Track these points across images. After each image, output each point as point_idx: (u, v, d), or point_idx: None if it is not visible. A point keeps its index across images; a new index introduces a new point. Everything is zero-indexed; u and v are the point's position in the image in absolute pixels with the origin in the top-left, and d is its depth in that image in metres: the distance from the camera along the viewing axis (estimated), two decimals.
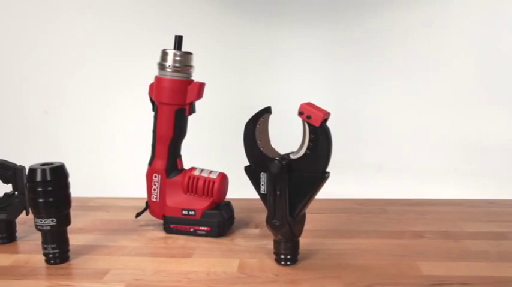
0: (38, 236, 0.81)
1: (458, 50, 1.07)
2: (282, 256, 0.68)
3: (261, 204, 0.94)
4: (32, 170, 0.68)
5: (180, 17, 1.11)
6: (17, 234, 0.82)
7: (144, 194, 1.02)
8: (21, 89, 1.18)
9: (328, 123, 0.65)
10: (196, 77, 1.14)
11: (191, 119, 0.87)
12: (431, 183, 1.08)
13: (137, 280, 0.65)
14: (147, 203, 0.84)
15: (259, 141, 0.68)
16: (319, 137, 0.63)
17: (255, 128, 0.67)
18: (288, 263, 0.69)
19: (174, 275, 0.66)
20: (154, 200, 0.82)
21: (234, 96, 1.13)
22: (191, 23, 1.11)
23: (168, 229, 0.82)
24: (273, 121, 1.10)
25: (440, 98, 1.10)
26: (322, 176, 0.64)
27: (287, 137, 1.08)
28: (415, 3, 1.06)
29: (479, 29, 1.06)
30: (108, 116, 1.18)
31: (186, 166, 0.83)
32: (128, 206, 0.99)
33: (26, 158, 0.79)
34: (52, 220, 0.69)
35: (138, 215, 0.86)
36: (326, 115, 0.63)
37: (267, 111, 0.67)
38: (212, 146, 1.14)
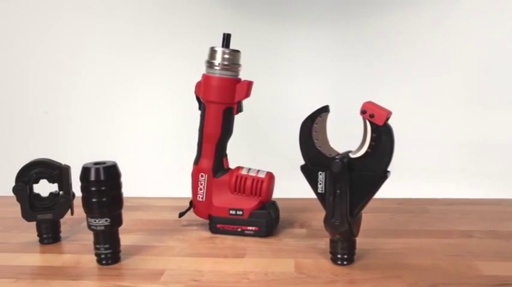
0: (82, 236, 0.82)
1: (465, 50, 1.06)
2: (339, 256, 0.68)
3: (301, 203, 0.95)
4: (86, 169, 0.67)
5: (183, 17, 1.10)
6: (60, 234, 0.81)
7: (177, 194, 1.02)
8: (28, 89, 1.17)
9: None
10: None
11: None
12: (436, 183, 1.07)
13: (195, 280, 0.64)
14: (191, 202, 0.84)
15: (316, 140, 0.67)
16: (382, 136, 0.62)
17: (312, 127, 0.67)
18: (345, 263, 0.68)
19: (231, 275, 0.66)
20: (200, 200, 0.81)
21: None
22: (195, 23, 1.10)
23: (214, 229, 0.81)
24: (278, 121, 1.10)
25: (448, 98, 1.09)
26: (384, 175, 0.63)
27: (293, 137, 1.09)
28: (422, 3, 1.05)
29: (486, 30, 1.05)
30: (122, 115, 1.16)
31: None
32: (165, 205, 0.98)
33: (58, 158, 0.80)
34: (106, 220, 0.68)
35: (181, 215, 0.85)
36: (389, 114, 0.63)
37: (325, 110, 0.66)
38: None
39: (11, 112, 1.17)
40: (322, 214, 0.88)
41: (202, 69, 1.10)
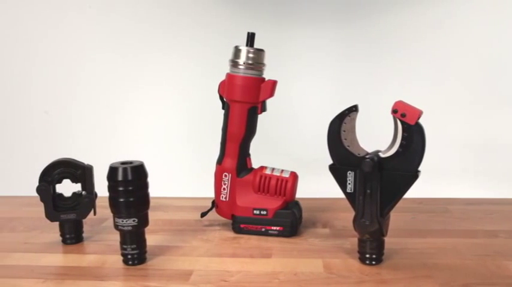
0: (105, 236, 0.82)
1: (468, 50, 1.06)
2: (368, 255, 0.68)
3: (320, 203, 0.95)
4: (113, 169, 0.67)
5: (187, 17, 1.09)
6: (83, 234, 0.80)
7: (191, 194, 1.02)
8: (35, 89, 1.16)
9: None
10: (203, 77, 1.10)
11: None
12: (440, 183, 1.07)
13: (225, 281, 0.64)
14: (213, 202, 0.83)
15: (344, 140, 0.67)
16: (413, 135, 0.62)
17: (341, 127, 0.66)
18: (373, 263, 0.68)
19: (261, 276, 0.65)
20: (223, 199, 0.81)
21: None
22: (199, 22, 1.09)
23: (237, 229, 0.81)
24: (281, 121, 1.10)
25: (451, 98, 1.08)
26: (415, 175, 0.63)
27: (297, 137, 1.09)
28: (426, 3, 1.05)
29: (489, 29, 1.05)
30: (133, 115, 1.16)
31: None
32: (184, 205, 0.98)
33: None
34: (134, 220, 0.67)
35: (203, 215, 0.84)
36: (421, 113, 0.62)
37: (354, 109, 0.66)
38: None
39: (27, 113, 1.16)
40: (343, 213, 0.89)
41: (208, 68, 1.09)
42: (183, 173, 1.11)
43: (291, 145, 1.11)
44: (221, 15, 1.09)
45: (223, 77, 0.80)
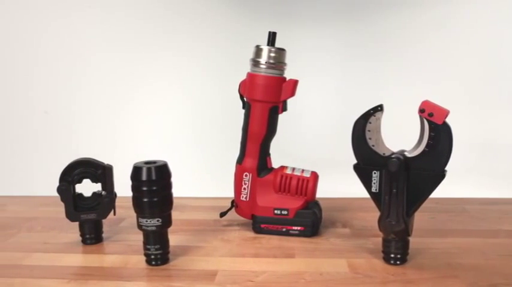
0: (124, 236, 0.81)
1: (470, 50, 1.05)
2: (392, 255, 0.67)
3: (338, 203, 0.95)
4: (137, 168, 0.66)
5: (188, 16, 1.09)
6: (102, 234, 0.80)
7: (207, 194, 1.02)
8: (33, 89, 1.15)
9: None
10: (205, 76, 1.10)
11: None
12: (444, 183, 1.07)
13: (251, 281, 0.64)
14: (232, 202, 0.83)
15: (369, 139, 0.66)
16: (440, 135, 0.62)
17: (365, 126, 0.66)
18: (398, 262, 0.67)
19: (286, 276, 0.65)
20: (243, 199, 0.80)
21: None
22: (201, 21, 1.09)
23: (257, 229, 0.80)
24: (282, 121, 1.09)
25: (452, 98, 1.07)
26: (442, 175, 0.63)
27: (298, 137, 1.08)
28: (428, 4, 1.05)
29: (491, 29, 1.04)
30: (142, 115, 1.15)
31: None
32: (201, 205, 0.98)
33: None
34: (158, 220, 0.67)
35: (222, 215, 0.84)
36: (448, 113, 0.62)
37: (379, 108, 0.66)
38: (219, 146, 1.10)
39: (31, 112, 1.16)
40: (361, 213, 0.89)
41: (209, 68, 1.08)
42: (199, 173, 1.10)
43: (292, 144, 1.10)
44: (222, 15, 1.09)
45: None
